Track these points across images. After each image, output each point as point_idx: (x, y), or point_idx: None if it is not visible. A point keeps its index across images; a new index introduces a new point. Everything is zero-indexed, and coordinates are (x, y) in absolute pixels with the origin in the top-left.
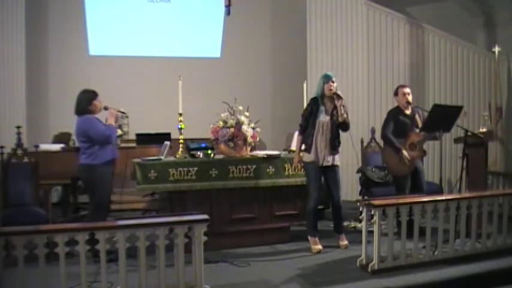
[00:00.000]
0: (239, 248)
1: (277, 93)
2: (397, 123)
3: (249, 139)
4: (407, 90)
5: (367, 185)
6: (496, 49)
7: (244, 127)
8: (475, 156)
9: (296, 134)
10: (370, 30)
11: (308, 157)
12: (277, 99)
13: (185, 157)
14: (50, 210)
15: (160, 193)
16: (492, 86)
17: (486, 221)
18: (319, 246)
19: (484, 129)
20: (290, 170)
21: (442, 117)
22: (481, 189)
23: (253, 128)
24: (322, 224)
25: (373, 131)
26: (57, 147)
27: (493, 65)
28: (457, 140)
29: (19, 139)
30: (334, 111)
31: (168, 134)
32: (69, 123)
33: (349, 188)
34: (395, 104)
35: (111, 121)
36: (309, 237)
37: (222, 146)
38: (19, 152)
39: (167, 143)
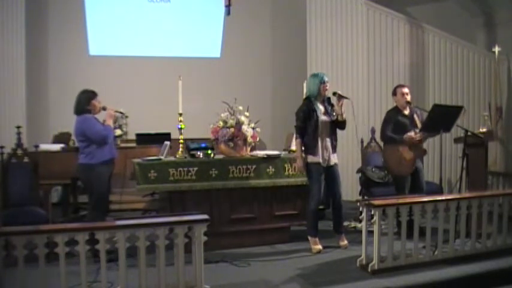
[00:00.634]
0: (239, 248)
1: (277, 93)
2: (395, 123)
3: (249, 139)
4: (406, 90)
5: (367, 185)
6: (496, 49)
7: (244, 127)
8: (475, 156)
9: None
10: (370, 30)
11: (313, 158)
12: (277, 99)
13: (185, 157)
14: (50, 210)
15: (160, 193)
16: (492, 86)
17: (486, 221)
18: (319, 246)
19: (484, 129)
20: (290, 170)
21: (442, 118)
22: (481, 189)
23: (253, 128)
24: (322, 224)
25: (373, 131)
26: (57, 147)
27: (493, 65)
28: (457, 140)
29: (19, 139)
30: (331, 110)
31: (168, 134)
32: (69, 123)
33: (349, 188)
34: (395, 104)
35: (109, 122)
36: (309, 237)
37: (222, 146)
38: (19, 152)
39: (167, 143)
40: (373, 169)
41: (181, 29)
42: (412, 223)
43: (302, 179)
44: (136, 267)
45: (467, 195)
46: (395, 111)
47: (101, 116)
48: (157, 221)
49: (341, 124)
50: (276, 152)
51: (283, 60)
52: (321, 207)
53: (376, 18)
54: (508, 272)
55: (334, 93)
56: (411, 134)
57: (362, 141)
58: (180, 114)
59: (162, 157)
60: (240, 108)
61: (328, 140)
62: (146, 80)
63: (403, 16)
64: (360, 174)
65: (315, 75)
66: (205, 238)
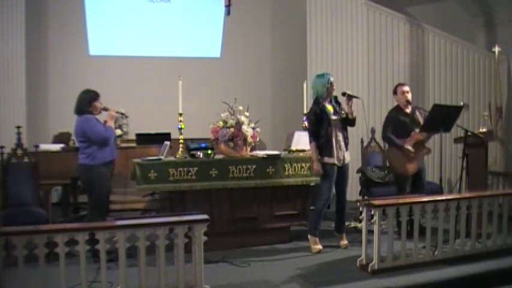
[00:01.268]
0: (239, 248)
1: (277, 93)
2: (397, 123)
3: (249, 139)
4: (407, 88)
5: (367, 185)
6: (496, 49)
7: (244, 127)
8: (475, 156)
9: (296, 134)
10: (370, 30)
11: (329, 160)
12: (277, 99)
13: (185, 157)
14: (50, 210)
15: (160, 193)
16: (492, 86)
17: (486, 221)
18: (319, 246)
19: (484, 129)
20: (290, 170)
21: (442, 117)
22: (481, 189)
23: (253, 128)
24: (322, 224)
25: (373, 131)
26: (57, 147)
27: (493, 65)
28: (457, 140)
29: (19, 139)
30: (339, 109)
31: (168, 134)
32: (69, 123)
33: (349, 188)
34: (395, 104)
35: (110, 123)
36: (309, 236)
37: (222, 146)
38: (19, 152)
39: (167, 143)
40: (373, 169)
41: (181, 29)
42: (412, 223)
43: (302, 179)
44: (136, 267)
45: (467, 195)
46: (397, 110)
47: (101, 117)
48: (157, 221)
49: (351, 121)
50: (276, 152)
51: (283, 60)
52: None
53: (376, 18)
54: (508, 272)
55: (344, 94)
56: (410, 145)
57: (362, 141)
58: (180, 114)
59: (162, 157)
60: (240, 108)
61: (341, 138)
62: (146, 80)
63: (403, 16)
64: (360, 174)
65: (320, 76)
66: (205, 238)
